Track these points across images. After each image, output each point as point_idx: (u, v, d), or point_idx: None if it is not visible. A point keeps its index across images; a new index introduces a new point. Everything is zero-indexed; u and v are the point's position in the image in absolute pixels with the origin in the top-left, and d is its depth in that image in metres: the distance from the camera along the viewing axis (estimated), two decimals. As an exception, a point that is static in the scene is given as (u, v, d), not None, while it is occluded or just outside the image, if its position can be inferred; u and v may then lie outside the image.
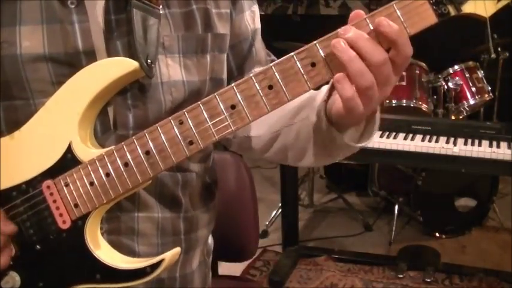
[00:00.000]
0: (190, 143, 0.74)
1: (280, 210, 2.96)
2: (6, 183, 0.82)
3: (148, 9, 0.81)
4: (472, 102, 2.82)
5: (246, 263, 2.74)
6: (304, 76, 0.70)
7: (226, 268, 1.76)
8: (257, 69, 0.99)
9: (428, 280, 2.57)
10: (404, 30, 0.68)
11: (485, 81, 2.84)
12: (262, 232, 3.06)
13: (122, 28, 0.81)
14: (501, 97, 3.09)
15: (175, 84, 0.85)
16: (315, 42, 0.70)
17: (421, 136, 2.36)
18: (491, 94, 2.85)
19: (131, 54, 0.79)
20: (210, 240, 1.09)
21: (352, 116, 0.72)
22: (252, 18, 0.98)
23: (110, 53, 0.81)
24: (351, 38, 0.68)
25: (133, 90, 0.82)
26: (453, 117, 2.79)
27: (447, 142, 2.31)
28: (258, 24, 1.00)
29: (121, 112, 0.82)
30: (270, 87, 0.71)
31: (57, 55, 0.79)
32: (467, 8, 0.68)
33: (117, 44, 0.81)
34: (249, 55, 0.98)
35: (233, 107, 0.73)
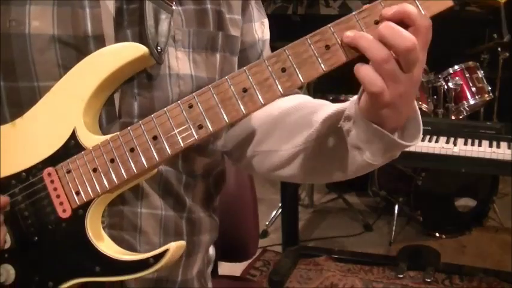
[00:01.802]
0: (200, 127, 0.73)
1: (280, 210, 2.96)
2: (7, 171, 0.80)
3: (161, 4, 0.80)
4: (472, 102, 2.82)
5: (246, 263, 2.73)
6: (319, 59, 0.69)
7: (226, 268, 1.76)
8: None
9: (428, 280, 2.57)
10: (418, 10, 0.65)
11: (485, 81, 2.84)
12: (262, 232, 3.06)
13: (133, 17, 0.81)
14: (501, 97, 3.09)
15: (184, 78, 0.84)
16: (329, 25, 0.68)
17: (421, 136, 2.35)
18: (491, 94, 2.85)
19: (140, 42, 0.79)
20: (212, 250, 1.08)
21: (378, 102, 0.68)
22: (261, 29, 0.97)
23: (119, 40, 0.80)
24: (377, 30, 0.65)
25: (141, 78, 0.81)
26: (453, 117, 2.79)
27: (447, 142, 2.31)
28: (267, 36, 0.99)
29: (126, 100, 0.81)
30: (283, 70, 0.69)
31: (66, 37, 0.78)
32: None
33: (127, 32, 0.80)
34: None
35: (245, 90, 0.71)
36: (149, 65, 0.79)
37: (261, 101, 0.71)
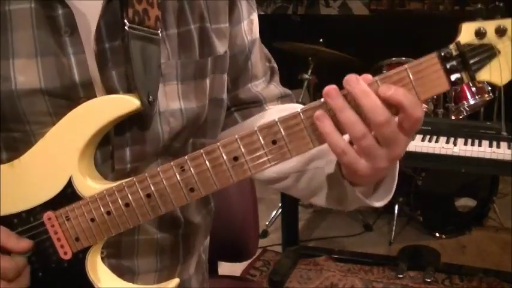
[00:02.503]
0: (192, 190, 0.75)
1: (280, 210, 2.96)
2: (7, 210, 0.81)
3: (147, 37, 0.77)
4: (472, 102, 2.82)
5: (246, 263, 2.74)
6: (309, 135, 0.70)
7: (226, 268, 1.76)
8: (253, 84, 0.95)
9: (428, 280, 2.57)
10: (413, 92, 0.65)
11: (485, 81, 2.84)
12: (262, 232, 3.06)
13: (117, 56, 0.77)
14: (501, 97, 3.08)
15: (174, 114, 0.82)
16: (322, 100, 0.68)
17: (421, 136, 2.36)
18: (491, 94, 2.85)
19: (128, 85, 0.77)
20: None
21: (352, 169, 0.69)
22: (249, 28, 0.92)
23: (106, 84, 0.78)
24: (357, 93, 0.65)
25: (132, 124, 0.80)
26: (453, 117, 2.79)
27: (447, 142, 2.31)
28: (256, 34, 0.94)
29: (118, 148, 0.80)
30: (274, 142, 0.71)
31: (54, 89, 0.76)
32: (482, 76, 0.66)
33: (113, 74, 0.77)
34: (244, 69, 0.93)
35: (236, 159, 0.72)
36: (139, 111, 0.77)
37: (251, 170, 0.73)
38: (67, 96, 0.77)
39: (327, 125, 0.67)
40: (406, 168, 3.00)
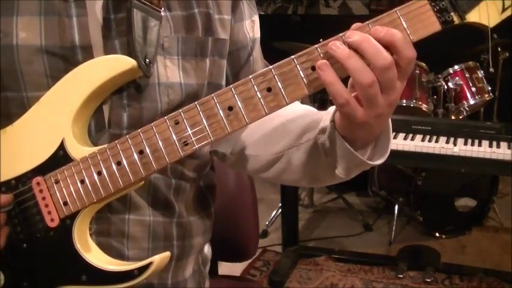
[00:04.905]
0: (185, 143, 0.74)
1: (280, 210, 2.96)
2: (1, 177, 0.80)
3: (150, 11, 0.80)
4: (472, 102, 2.82)
5: (246, 263, 2.74)
6: (304, 80, 0.69)
7: (226, 268, 1.76)
8: None
9: (428, 280, 2.57)
10: (404, 34, 0.67)
11: (485, 81, 2.84)
12: (262, 232, 3.06)
13: (120, 27, 0.80)
14: (501, 97, 3.09)
15: (173, 86, 0.84)
16: (316, 45, 0.69)
17: (421, 136, 2.36)
18: (491, 94, 2.85)
19: (129, 53, 0.79)
20: (207, 249, 1.07)
21: (353, 120, 0.69)
22: (251, 27, 0.96)
23: (108, 51, 0.80)
24: (356, 41, 0.66)
25: (130, 89, 0.81)
26: (453, 117, 2.79)
27: (447, 142, 2.31)
28: (258, 34, 0.98)
29: (115, 111, 0.81)
30: (269, 89, 0.70)
31: (53, 48, 0.78)
32: (471, 17, 0.68)
33: (115, 43, 0.80)
34: (246, 64, 0.96)
35: (230, 108, 0.71)
36: (137, 76, 0.79)
37: (246, 120, 0.72)
38: (65, 57, 0.78)
39: (330, 75, 0.67)
40: (406, 168, 3.00)
